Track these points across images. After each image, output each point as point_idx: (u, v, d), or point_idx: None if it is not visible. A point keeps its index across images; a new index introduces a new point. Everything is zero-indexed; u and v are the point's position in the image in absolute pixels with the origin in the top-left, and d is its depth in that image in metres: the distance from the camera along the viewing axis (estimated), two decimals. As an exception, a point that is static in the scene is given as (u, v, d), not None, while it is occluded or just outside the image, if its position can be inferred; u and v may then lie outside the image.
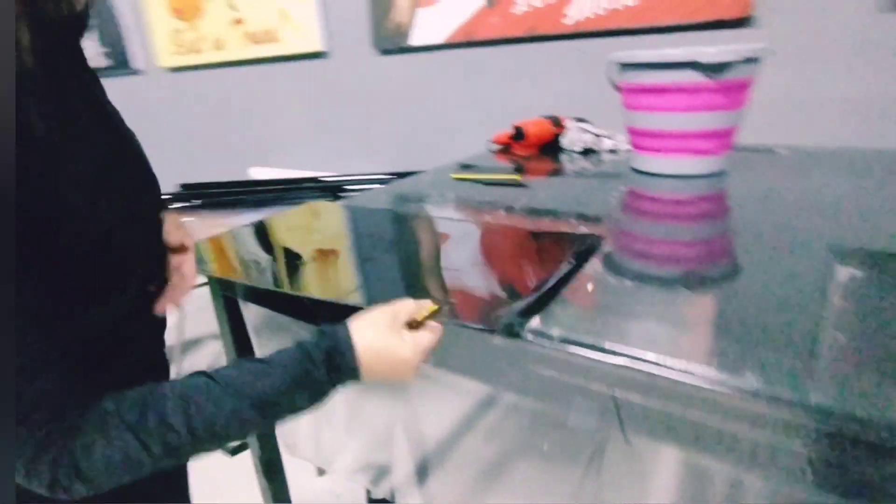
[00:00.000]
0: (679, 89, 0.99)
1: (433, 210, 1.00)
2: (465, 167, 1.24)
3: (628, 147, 1.18)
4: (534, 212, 0.91)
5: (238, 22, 2.33)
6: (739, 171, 1.09)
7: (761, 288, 0.58)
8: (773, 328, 0.49)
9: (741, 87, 1.00)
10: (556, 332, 0.51)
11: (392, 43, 1.92)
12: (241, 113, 2.55)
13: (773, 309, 0.53)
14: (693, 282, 0.62)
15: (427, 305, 0.54)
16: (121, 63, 2.83)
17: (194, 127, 2.75)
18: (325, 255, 0.79)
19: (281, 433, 0.97)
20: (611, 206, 0.93)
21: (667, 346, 0.47)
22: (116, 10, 2.73)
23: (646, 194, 1.02)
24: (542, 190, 1.05)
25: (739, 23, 1.31)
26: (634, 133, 1.11)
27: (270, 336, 0.86)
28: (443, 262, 0.74)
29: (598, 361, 0.48)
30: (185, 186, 1.91)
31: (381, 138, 2.13)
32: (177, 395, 0.43)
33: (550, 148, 1.40)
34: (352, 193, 1.91)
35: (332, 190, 1.95)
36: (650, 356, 0.46)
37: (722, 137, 1.04)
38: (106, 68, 2.88)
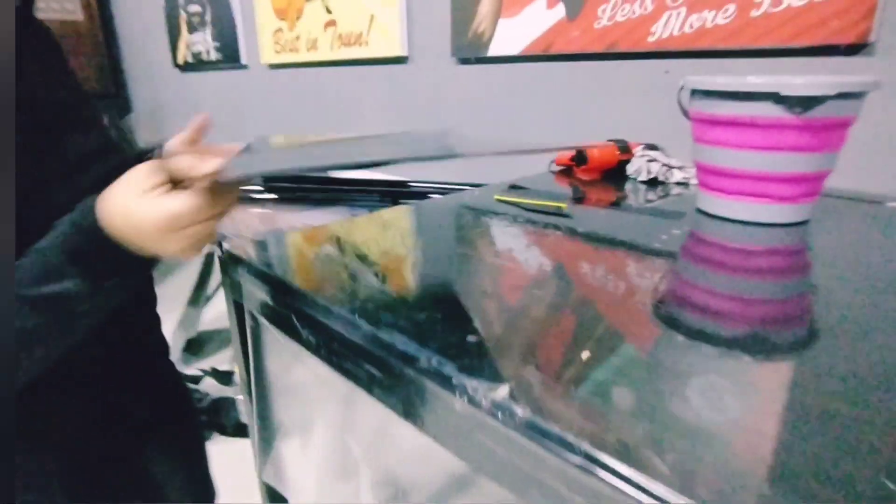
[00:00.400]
0: (756, 124, 0.86)
1: (459, 232, 0.95)
2: (514, 188, 1.18)
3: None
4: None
5: (330, 24, 2.41)
6: (828, 222, 0.94)
7: (840, 372, 0.48)
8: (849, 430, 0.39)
9: (835, 127, 0.85)
10: (522, 411, 0.44)
11: (470, 52, 1.89)
12: (326, 111, 2.63)
13: (850, 398, 0.42)
14: (749, 346, 0.52)
15: (205, 167, 0.43)
16: (229, 58, 3.03)
17: (284, 121, 2.89)
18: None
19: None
20: (663, 247, 0.82)
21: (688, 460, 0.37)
22: (233, 10, 2.93)
23: (708, 239, 0.90)
24: (590, 220, 0.97)
25: (853, 50, 1.13)
26: (703, 170, 0.99)
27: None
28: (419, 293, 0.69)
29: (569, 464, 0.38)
30: (266, 179, 2.00)
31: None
32: None
33: (615, 174, 1.30)
34: (413, 200, 1.91)
35: (395, 195, 1.96)
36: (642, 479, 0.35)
37: (807, 182, 0.90)
38: (216, 62, 3.10)
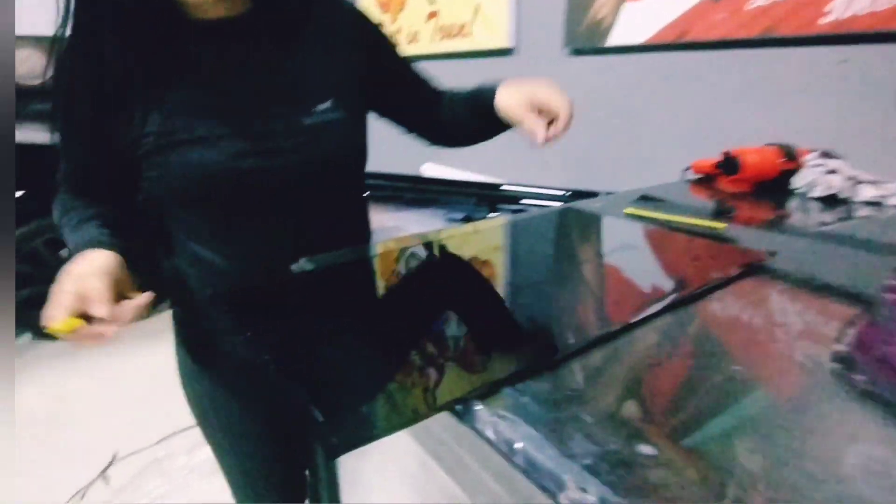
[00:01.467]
0: None
1: (583, 250, 0.76)
2: (646, 200, 0.97)
3: (904, 203, 0.80)
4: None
5: (432, 15, 2.29)
6: None
7: None
8: None
9: None
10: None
11: (586, 42, 1.68)
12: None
13: None
14: None
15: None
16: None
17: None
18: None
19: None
20: (867, 289, 0.59)
21: None
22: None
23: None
24: (761, 245, 0.74)
25: None
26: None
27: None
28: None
29: None
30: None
31: (558, 149, 1.90)
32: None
33: (772, 188, 1.05)
34: (510, 206, 1.74)
35: (491, 199, 1.79)
36: None
37: None
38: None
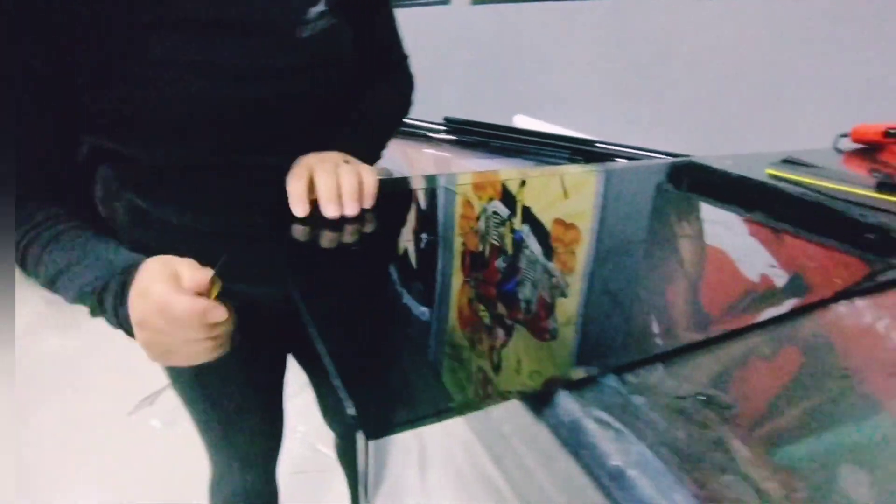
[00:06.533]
0: None
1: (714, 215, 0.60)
2: (791, 163, 0.78)
3: None
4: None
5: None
6: None
7: None
8: None
9: None
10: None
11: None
12: (529, 52, 2.33)
13: None
14: None
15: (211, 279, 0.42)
16: (435, -6, 2.85)
17: (480, 62, 2.66)
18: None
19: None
20: None
21: None
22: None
23: None
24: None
25: None
26: None
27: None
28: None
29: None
30: (448, 120, 1.80)
31: (678, 107, 1.67)
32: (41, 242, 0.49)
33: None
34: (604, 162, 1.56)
35: (587, 155, 1.62)
36: None
37: None
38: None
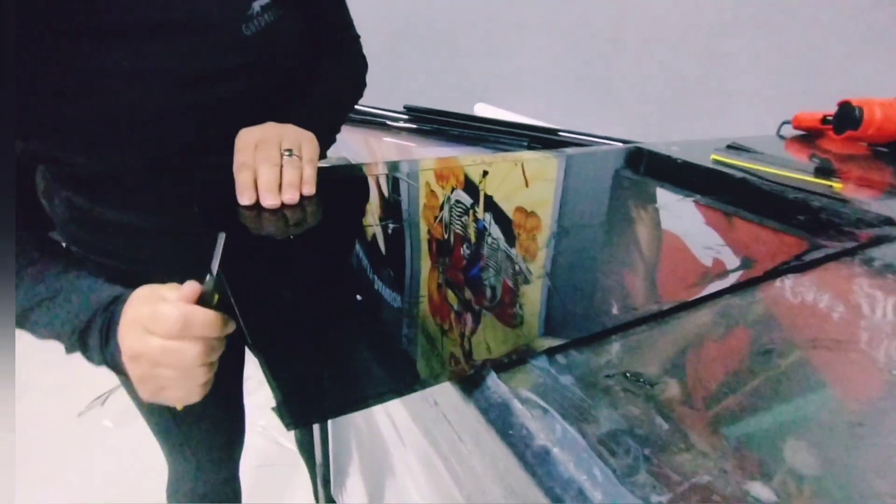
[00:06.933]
0: None
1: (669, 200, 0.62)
2: (735, 149, 0.80)
3: None
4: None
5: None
6: None
7: None
8: None
9: None
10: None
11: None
12: (483, 42, 2.33)
13: None
14: None
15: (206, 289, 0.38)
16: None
17: (438, 50, 2.64)
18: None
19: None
20: None
21: None
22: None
23: None
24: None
25: None
26: None
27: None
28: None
29: None
30: (408, 108, 1.78)
31: (629, 96, 1.69)
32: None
33: (893, 153, 0.85)
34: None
35: (547, 144, 1.64)
36: None
37: None
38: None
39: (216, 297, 0.39)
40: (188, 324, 0.36)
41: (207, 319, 0.37)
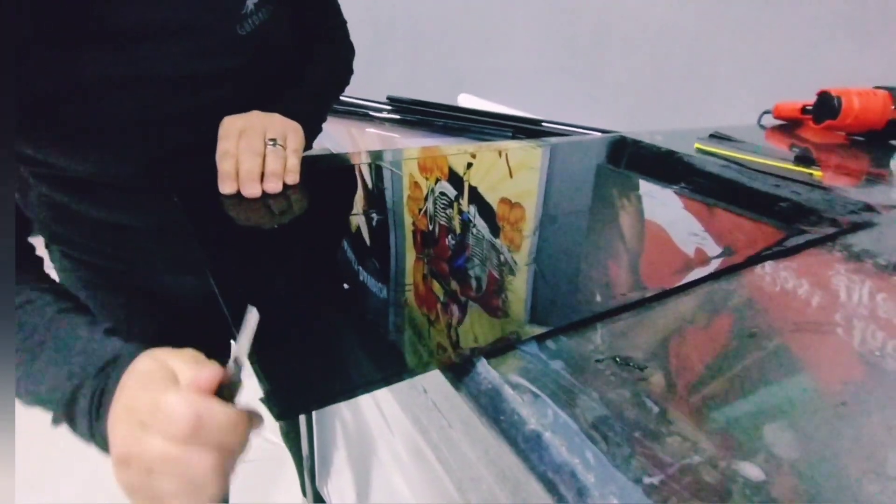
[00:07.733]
0: None
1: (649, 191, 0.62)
2: (718, 138, 0.81)
3: None
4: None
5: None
6: None
7: None
8: None
9: None
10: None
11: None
12: (466, 32, 2.31)
13: None
14: None
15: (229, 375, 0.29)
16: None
17: (421, 41, 2.62)
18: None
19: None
20: None
21: None
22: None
23: None
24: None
25: None
26: None
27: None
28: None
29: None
30: (391, 99, 1.77)
31: (613, 86, 1.70)
32: None
33: (872, 142, 0.87)
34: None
35: (531, 134, 1.64)
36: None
37: None
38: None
39: (241, 387, 0.30)
40: (202, 426, 0.27)
41: (228, 420, 0.28)
